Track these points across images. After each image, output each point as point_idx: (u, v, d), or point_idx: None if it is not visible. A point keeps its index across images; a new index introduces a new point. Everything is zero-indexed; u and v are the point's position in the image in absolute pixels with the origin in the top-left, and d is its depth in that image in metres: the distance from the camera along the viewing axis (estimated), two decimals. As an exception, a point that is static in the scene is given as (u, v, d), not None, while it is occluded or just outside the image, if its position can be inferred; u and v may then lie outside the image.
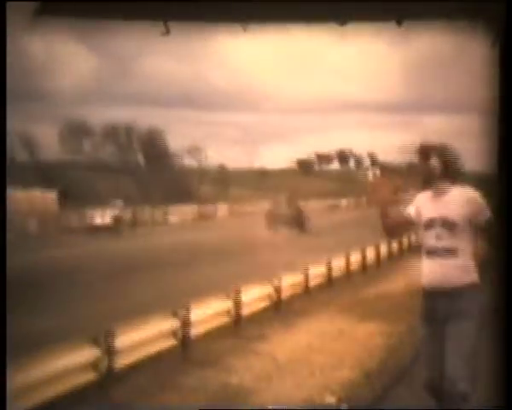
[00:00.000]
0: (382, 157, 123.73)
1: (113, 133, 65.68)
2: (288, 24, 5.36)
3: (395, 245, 20.23)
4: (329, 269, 13.69)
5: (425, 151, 4.55)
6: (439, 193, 4.45)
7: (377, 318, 10.49)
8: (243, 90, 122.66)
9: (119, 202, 39.23)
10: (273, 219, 32.29)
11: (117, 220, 36.67)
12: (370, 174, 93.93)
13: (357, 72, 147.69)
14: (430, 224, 4.43)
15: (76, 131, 64.20)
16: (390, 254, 19.30)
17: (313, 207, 48.25)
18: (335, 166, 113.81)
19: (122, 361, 6.99)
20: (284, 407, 6.12)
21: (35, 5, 4.64)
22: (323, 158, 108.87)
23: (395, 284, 14.53)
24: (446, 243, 4.36)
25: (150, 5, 4.84)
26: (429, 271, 4.45)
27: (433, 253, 4.41)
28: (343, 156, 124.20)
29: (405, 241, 21.49)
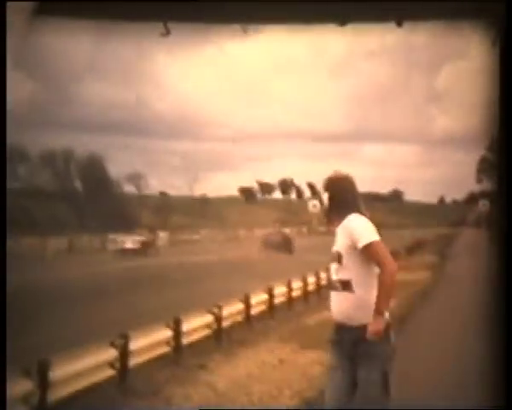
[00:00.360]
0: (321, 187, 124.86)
1: (50, 159, 64.42)
2: (288, 25, 5.39)
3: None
4: (271, 296, 13.66)
5: (324, 185, 4.57)
6: (334, 226, 4.46)
7: (318, 346, 10.49)
8: (186, 118, 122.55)
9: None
10: (268, 244, 38.79)
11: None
12: (310, 205, 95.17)
13: (299, 101, 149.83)
14: (331, 257, 4.46)
15: (10, 157, 62.75)
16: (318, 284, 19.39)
17: (259, 235, 48.53)
18: (277, 195, 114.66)
19: (56, 394, 6.74)
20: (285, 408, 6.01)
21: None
22: (266, 187, 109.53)
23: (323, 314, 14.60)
24: (340, 276, 4.33)
25: (148, 6, 4.84)
26: (331, 304, 4.45)
27: (332, 286, 4.44)
28: (285, 186, 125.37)
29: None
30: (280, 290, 14.60)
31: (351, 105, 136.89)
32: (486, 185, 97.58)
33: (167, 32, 4.90)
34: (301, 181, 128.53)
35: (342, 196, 4.39)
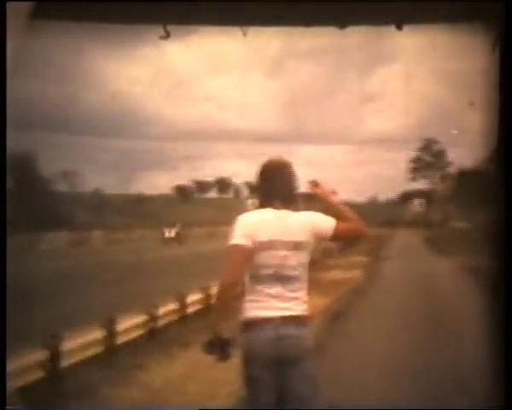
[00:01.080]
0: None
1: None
2: (288, 27, 5.29)
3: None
4: (207, 295, 13.63)
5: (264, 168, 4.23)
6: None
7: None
8: (121, 115, 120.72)
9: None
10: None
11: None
12: (249, 203, 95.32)
13: (234, 100, 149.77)
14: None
15: None
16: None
17: (196, 234, 48.52)
18: (214, 194, 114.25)
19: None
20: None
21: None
22: (202, 186, 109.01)
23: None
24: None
25: (148, 8, 4.75)
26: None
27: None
28: (222, 185, 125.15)
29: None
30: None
31: (287, 105, 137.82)
32: (420, 184, 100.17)
33: (167, 35, 4.88)
34: (239, 180, 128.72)
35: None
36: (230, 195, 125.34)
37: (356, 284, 20.68)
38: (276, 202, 3.89)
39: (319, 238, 3.91)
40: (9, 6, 4.04)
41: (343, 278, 22.52)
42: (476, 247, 36.99)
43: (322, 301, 15.96)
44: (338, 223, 3.91)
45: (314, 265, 23.96)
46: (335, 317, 13.67)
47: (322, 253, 33.90)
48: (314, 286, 19.69)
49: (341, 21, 4.96)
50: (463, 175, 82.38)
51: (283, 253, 3.81)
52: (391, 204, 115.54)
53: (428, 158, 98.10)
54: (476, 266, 26.76)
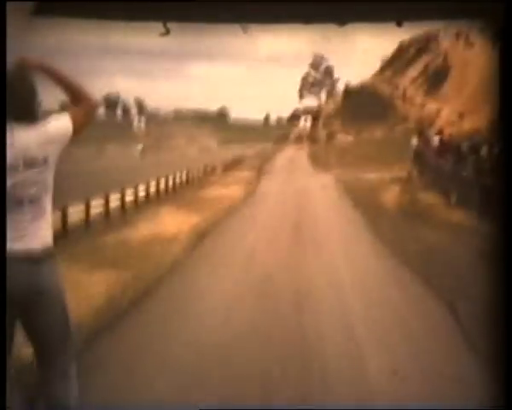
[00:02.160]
0: (150, 104, 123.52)
1: None
2: (288, 24, 5.21)
3: (142, 189, 20.06)
4: (64, 216, 12.98)
5: None
6: None
7: (109, 266, 10.12)
8: None
9: None
10: None
11: None
12: (136, 122, 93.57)
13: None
14: None
15: None
16: (136, 200, 19.02)
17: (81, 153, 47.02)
18: (101, 111, 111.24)
19: None
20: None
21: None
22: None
23: (138, 230, 14.25)
24: None
25: (148, 6, 4.68)
26: None
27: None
28: (110, 102, 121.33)
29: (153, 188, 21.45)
30: (75, 210, 13.96)
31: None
32: (309, 102, 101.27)
33: (167, 32, 4.85)
34: (128, 97, 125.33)
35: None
36: (118, 112, 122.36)
37: (231, 201, 20.50)
38: (9, 117, 3.28)
39: (60, 143, 3.38)
40: (10, 5, 3.77)
41: (221, 195, 22.33)
42: (357, 160, 38.19)
43: (193, 220, 15.69)
44: (71, 114, 3.42)
45: (194, 182, 23.80)
46: (201, 236, 13.40)
47: (204, 170, 33.72)
48: (187, 204, 19.49)
49: (341, 18, 4.87)
50: (350, 92, 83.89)
51: (16, 173, 3.24)
52: (282, 121, 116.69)
53: (316, 75, 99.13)
54: (352, 179, 27.53)
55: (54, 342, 3.35)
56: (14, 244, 3.19)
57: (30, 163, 3.26)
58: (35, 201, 3.28)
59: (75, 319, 6.52)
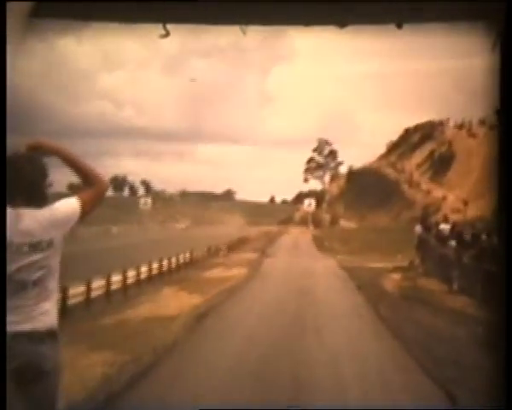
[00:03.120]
0: (157, 186, 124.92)
1: None
2: (288, 26, 5.21)
3: (144, 269, 20.05)
4: (65, 296, 12.96)
5: None
6: None
7: (107, 347, 10.06)
8: (10, 111, 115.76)
9: None
10: None
11: None
12: (142, 202, 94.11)
13: (130, 97, 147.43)
14: None
15: None
16: (138, 280, 19.01)
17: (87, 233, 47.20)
18: (109, 192, 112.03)
19: None
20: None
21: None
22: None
23: (138, 311, 14.21)
24: None
25: (149, 7, 4.64)
26: None
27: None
28: (117, 183, 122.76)
29: (154, 266, 21.43)
30: (76, 291, 13.96)
31: (185, 104, 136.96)
32: (313, 185, 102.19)
33: (167, 34, 4.81)
34: (135, 179, 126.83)
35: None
36: (125, 193, 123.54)
37: (234, 283, 20.46)
38: (17, 200, 3.35)
39: (66, 226, 3.45)
40: (9, 6, 3.88)
41: (223, 277, 22.30)
42: (360, 248, 38.24)
43: (194, 301, 15.66)
44: (81, 196, 3.50)
45: (197, 263, 23.68)
46: (201, 317, 13.34)
47: (208, 251, 33.78)
48: (190, 285, 19.41)
49: (341, 21, 4.85)
50: (353, 175, 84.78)
51: (21, 256, 3.28)
52: (286, 204, 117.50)
53: (320, 159, 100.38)
54: (357, 265, 27.49)
55: None
56: (18, 327, 3.21)
57: (35, 247, 3.30)
58: (39, 284, 3.31)
59: (68, 400, 6.51)
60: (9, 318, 3.21)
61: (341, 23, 4.86)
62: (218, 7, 4.77)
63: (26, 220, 3.32)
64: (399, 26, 4.84)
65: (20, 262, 3.27)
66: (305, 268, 27.14)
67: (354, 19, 4.90)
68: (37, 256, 3.31)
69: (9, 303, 3.22)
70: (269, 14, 4.89)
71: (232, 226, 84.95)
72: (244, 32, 4.93)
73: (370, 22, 5.11)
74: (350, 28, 4.86)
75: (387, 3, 4.82)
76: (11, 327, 3.20)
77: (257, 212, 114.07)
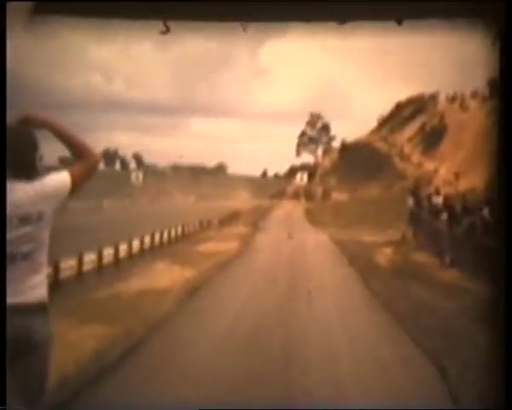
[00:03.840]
0: (148, 159, 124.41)
1: None
2: (287, 23, 5.17)
3: (136, 243, 20.05)
4: (57, 270, 12.95)
5: None
6: None
7: (99, 321, 10.05)
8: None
9: None
10: None
11: None
12: (134, 176, 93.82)
13: (122, 71, 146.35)
14: None
15: None
16: (130, 254, 19.00)
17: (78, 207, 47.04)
18: (101, 166, 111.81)
19: None
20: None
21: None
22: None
23: (130, 285, 14.20)
24: None
25: (148, 4, 4.66)
26: None
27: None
28: (108, 157, 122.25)
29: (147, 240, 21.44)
30: (67, 264, 13.93)
31: (176, 78, 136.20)
32: (305, 159, 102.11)
33: (167, 30, 4.80)
34: (126, 152, 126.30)
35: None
36: (117, 166, 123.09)
37: (226, 257, 20.47)
38: (7, 172, 3.31)
39: (56, 200, 3.40)
40: (10, 5, 3.85)
41: (215, 250, 22.30)
42: (352, 221, 38.31)
43: (186, 274, 15.66)
44: (72, 170, 3.45)
45: (189, 237, 23.71)
46: (193, 290, 13.35)
47: (200, 225, 33.79)
48: (182, 259, 19.44)
49: (341, 17, 4.83)
50: (346, 148, 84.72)
51: (10, 229, 3.25)
52: (279, 178, 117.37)
53: (313, 133, 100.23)
54: (349, 239, 27.55)
55: (29, 395, 3.32)
56: (7, 299, 3.18)
57: (24, 219, 3.27)
58: (28, 257, 3.29)
59: (59, 374, 6.51)
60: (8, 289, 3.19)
61: (340, 20, 4.86)
62: (219, 4, 4.78)
63: (16, 193, 3.28)
64: (399, 22, 4.85)
65: (10, 235, 3.24)
66: (298, 241, 27.19)
67: (353, 15, 4.92)
68: (26, 229, 3.28)
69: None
70: (269, 10, 4.89)
71: (238, 200, 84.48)
72: (245, 29, 4.91)
73: (370, 18, 5.10)
74: (349, 25, 4.86)
75: (387, 0, 4.87)
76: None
77: (249, 185, 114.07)
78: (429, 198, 24.75)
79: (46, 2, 4.63)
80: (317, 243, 27.01)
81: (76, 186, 3.43)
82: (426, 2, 4.80)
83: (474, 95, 69.21)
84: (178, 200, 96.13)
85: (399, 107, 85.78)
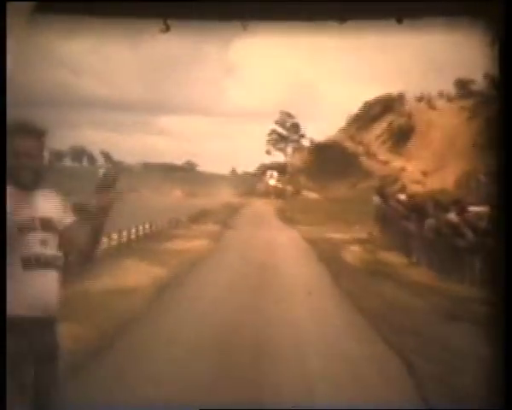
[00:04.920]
0: (116, 157, 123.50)
1: None
2: (288, 22, 5.18)
3: (104, 240, 19.80)
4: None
5: None
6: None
7: (65, 319, 9.91)
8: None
9: None
10: None
11: None
12: (101, 172, 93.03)
13: (90, 67, 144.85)
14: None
15: None
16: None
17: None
18: (68, 163, 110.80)
19: None
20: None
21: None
22: (55, 154, 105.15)
23: (98, 283, 14.04)
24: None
25: (148, 3, 4.70)
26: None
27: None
28: (76, 154, 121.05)
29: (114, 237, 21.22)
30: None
31: (146, 75, 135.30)
32: (275, 157, 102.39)
33: (167, 29, 4.86)
34: (94, 149, 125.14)
35: None
36: (84, 163, 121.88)
37: (195, 254, 20.39)
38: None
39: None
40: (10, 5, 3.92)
41: (185, 249, 22.19)
42: (321, 218, 38.49)
43: (155, 273, 15.54)
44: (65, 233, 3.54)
45: (158, 235, 23.45)
46: (162, 288, 13.27)
47: (169, 223, 33.59)
48: (150, 257, 19.25)
49: (342, 16, 4.86)
50: (315, 147, 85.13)
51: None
52: (249, 176, 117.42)
53: (282, 131, 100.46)
54: (319, 236, 27.66)
55: None
56: None
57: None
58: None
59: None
60: None
61: (341, 19, 4.89)
62: (219, 2, 4.83)
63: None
64: (399, 21, 4.88)
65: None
66: (267, 240, 27.21)
67: (354, 14, 4.94)
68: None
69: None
70: (269, 9, 4.90)
71: (208, 198, 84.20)
72: (245, 28, 4.92)
73: (370, 17, 5.15)
74: (349, 23, 4.90)
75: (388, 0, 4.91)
76: None
77: (218, 183, 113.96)
78: (395, 196, 24.98)
79: (46, 3, 4.67)
80: (287, 240, 27.05)
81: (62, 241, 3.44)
82: (425, 1, 4.83)
83: (441, 94, 70.13)
84: (147, 197, 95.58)
85: (367, 106, 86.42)
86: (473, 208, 16.24)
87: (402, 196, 23.91)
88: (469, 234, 14.10)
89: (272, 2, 4.83)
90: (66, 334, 8.79)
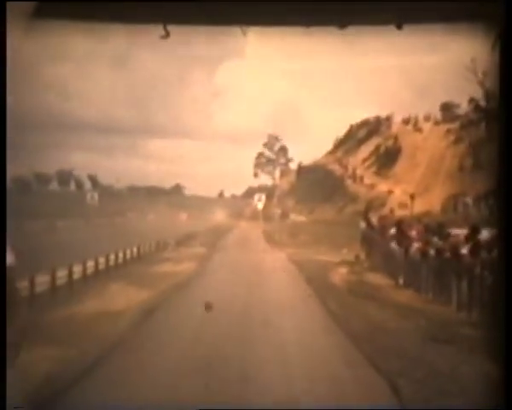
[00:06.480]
0: (104, 180, 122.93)
1: None
2: (288, 27, 5.18)
3: (91, 264, 19.76)
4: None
5: None
6: None
7: (53, 343, 9.88)
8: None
9: None
10: None
11: None
12: (89, 196, 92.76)
13: (77, 89, 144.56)
14: None
15: None
16: (84, 275, 18.72)
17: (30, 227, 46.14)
18: (55, 186, 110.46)
19: None
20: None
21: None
22: (42, 178, 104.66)
23: (85, 306, 14.01)
24: None
25: (148, 8, 4.68)
26: None
27: None
28: (63, 177, 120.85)
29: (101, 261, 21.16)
30: (20, 285, 13.64)
31: (134, 98, 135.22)
32: (263, 180, 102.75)
33: (167, 34, 4.86)
34: (82, 173, 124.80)
35: None
36: (72, 187, 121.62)
37: (183, 277, 20.36)
38: None
39: None
40: (10, 6, 3.92)
41: (172, 271, 22.15)
42: (308, 241, 38.55)
43: (142, 296, 15.52)
44: None
45: (145, 258, 23.33)
46: (148, 312, 13.25)
47: (156, 245, 33.54)
48: (138, 280, 19.20)
49: (341, 21, 4.88)
50: (302, 170, 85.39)
51: None
52: (236, 199, 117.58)
53: (270, 154, 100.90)
54: (306, 258, 27.68)
55: None
56: None
57: None
58: None
59: (9, 399, 6.38)
60: None
61: (341, 24, 4.92)
62: (219, 7, 4.81)
63: None
64: (399, 27, 4.91)
65: None
66: (255, 262, 27.20)
67: (354, 20, 4.96)
68: None
69: None
70: (269, 15, 4.93)
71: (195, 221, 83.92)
72: (245, 34, 4.96)
73: (370, 23, 5.16)
74: (350, 29, 4.93)
75: (388, 4, 4.87)
76: None
77: (206, 206, 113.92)
78: (381, 221, 25.05)
79: (46, 6, 4.66)
80: (274, 263, 27.05)
81: None
82: (425, 6, 4.80)
83: (427, 118, 70.64)
84: (134, 221, 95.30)
85: (354, 129, 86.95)
86: (458, 231, 16.36)
87: (388, 220, 23.99)
88: (454, 257, 14.20)
89: (272, 8, 4.82)
90: (51, 357, 8.82)
